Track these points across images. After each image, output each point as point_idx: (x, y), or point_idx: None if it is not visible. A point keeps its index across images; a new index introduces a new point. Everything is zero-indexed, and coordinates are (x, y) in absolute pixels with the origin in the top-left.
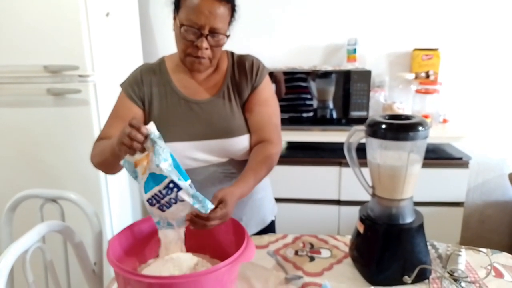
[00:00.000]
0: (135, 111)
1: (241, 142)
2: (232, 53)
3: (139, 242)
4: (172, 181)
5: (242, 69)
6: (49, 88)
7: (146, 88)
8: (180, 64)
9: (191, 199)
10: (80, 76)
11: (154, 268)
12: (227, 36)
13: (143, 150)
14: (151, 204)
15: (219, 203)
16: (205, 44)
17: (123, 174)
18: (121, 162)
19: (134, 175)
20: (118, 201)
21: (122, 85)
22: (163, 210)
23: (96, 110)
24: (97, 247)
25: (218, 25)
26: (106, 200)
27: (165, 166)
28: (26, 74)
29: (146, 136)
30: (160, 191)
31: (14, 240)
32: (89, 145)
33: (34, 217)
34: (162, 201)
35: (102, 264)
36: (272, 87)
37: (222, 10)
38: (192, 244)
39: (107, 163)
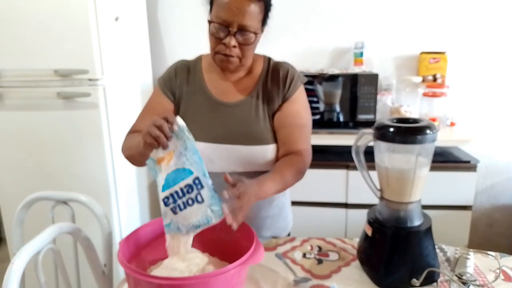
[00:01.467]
0: (166, 105)
1: (260, 152)
2: (269, 59)
3: (149, 244)
4: (197, 178)
5: (276, 77)
6: (59, 91)
7: (179, 84)
8: (214, 63)
9: (210, 200)
10: (89, 79)
11: (164, 269)
12: (256, 34)
13: (165, 146)
14: (166, 204)
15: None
16: (233, 41)
17: (132, 177)
18: (146, 161)
19: (155, 173)
20: (127, 203)
21: (158, 79)
22: (175, 212)
23: (105, 113)
24: (107, 248)
25: (247, 22)
26: (115, 202)
27: (195, 159)
28: (37, 78)
29: (172, 133)
30: (181, 189)
31: (25, 241)
32: (98, 148)
33: (44, 219)
34: (179, 201)
35: (111, 265)
36: (306, 98)
37: (253, 7)
38: (200, 247)
39: (135, 158)
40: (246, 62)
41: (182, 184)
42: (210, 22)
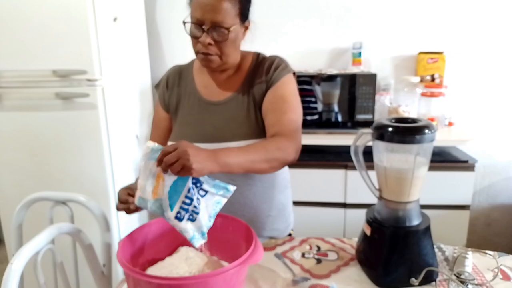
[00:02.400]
0: (162, 117)
1: None
2: (258, 54)
3: (148, 244)
4: (193, 177)
5: (261, 70)
6: (57, 92)
7: (170, 91)
8: None
9: (213, 189)
10: (88, 80)
11: (163, 269)
12: (229, 30)
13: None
14: (180, 219)
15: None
16: (207, 39)
17: (130, 177)
18: (137, 204)
19: (158, 207)
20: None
21: (155, 87)
22: (193, 220)
23: (104, 114)
24: (106, 248)
25: (219, 18)
26: (113, 202)
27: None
28: (35, 79)
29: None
30: (186, 196)
31: (24, 242)
32: (97, 148)
33: (43, 219)
34: (191, 207)
35: (110, 265)
36: (294, 87)
37: (224, 4)
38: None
39: None
40: (227, 60)
41: (184, 191)
42: (185, 23)
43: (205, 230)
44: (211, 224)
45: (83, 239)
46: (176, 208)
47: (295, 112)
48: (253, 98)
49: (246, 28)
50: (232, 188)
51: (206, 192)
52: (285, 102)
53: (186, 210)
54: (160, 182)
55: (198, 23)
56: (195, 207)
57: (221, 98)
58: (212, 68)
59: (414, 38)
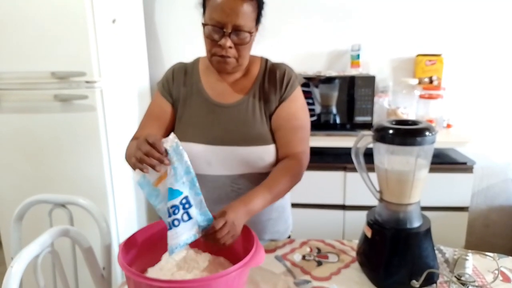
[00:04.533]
0: (166, 108)
1: (258, 153)
2: (266, 60)
3: (149, 247)
4: (185, 197)
5: (273, 78)
6: (56, 94)
7: (176, 86)
8: (210, 66)
9: (200, 217)
10: (87, 82)
11: (165, 271)
12: (251, 33)
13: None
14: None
15: (221, 215)
16: (228, 42)
17: (129, 179)
18: (137, 181)
19: (154, 195)
20: (124, 206)
21: (158, 83)
22: (170, 228)
23: (102, 115)
24: (106, 251)
25: (241, 22)
26: (112, 205)
27: (187, 178)
28: (34, 80)
29: (165, 151)
30: (168, 210)
31: (23, 245)
32: (96, 150)
33: (43, 222)
34: (170, 219)
35: (110, 268)
36: (303, 99)
37: (245, 7)
38: (202, 247)
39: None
40: (243, 62)
41: (169, 204)
42: (204, 25)
43: (173, 249)
44: (176, 251)
45: (83, 242)
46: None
47: (306, 127)
48: (264, 104)
49: (257, 30)
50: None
51: (190, 218)
52: (297, 120)
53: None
54: (164, 178)
55: (218, 26)
56: (169, 224)
57: (230, 101)
58: (227, 70)
59: (412, 40)
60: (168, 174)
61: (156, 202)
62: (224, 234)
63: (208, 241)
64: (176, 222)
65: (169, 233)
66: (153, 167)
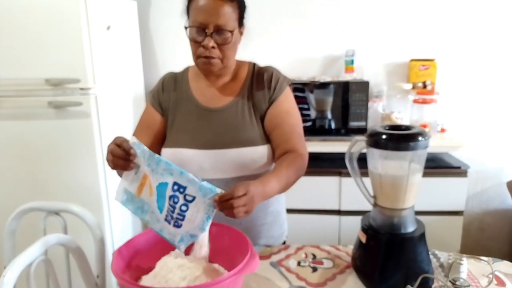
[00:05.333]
0: (156, 117)
1: (249, 154)
2: (254, 64)
3: (143, 254)
4: (175, 183)
5: (261, 80)
6: (50, 101)
7: (166, 95)
8: (199, 72)
9: (200, 192)
10: (81, 89)
11: (160, 278)
12: (232, 33)
13: (129, 167)
14: (169, 222)
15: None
16: (211, 42)
17: None
18: (121, 202)
19: (139, 208)
20: (119, 214)
21: (149, 92)
22: (179, 226)
23: (97, 122)
24: (100, 259)
25: (222, 22)
26: (107, 211)
27: (164, 166)
28: (28, 87)
29: (131, 154)
30: (169, 204)
31: (16, 253)
32: (90, 157)
33: (36, 229)
34: (174, 215)
35: (104, 276)
36: (293, 99)
37: (226, 7)
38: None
39: None
40: (228, 63)
41: (167, 198)
42: (186, 27)
43: (197, 232)
44: (206, 226)
45: (77, 250)
46: (164, 212)
47: (299, 123)
48: (253, 105)
49: (241, 33)
50: (218, 190)
51: (194, 197)
52: (291, 117)
53: (172, 217)
54: (145, 182)
55: (201, 27)
56: (179, 214)
57: (219, 105)
58: (212, 72)
59: (406, 45)
60: (147, 177)
61: (143, 215)
62: (241, 204)
63: (221, 209)
64: (183, 208)
65: (185, 222)
66: (121, 161)
